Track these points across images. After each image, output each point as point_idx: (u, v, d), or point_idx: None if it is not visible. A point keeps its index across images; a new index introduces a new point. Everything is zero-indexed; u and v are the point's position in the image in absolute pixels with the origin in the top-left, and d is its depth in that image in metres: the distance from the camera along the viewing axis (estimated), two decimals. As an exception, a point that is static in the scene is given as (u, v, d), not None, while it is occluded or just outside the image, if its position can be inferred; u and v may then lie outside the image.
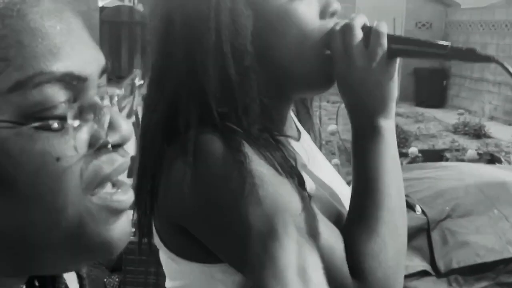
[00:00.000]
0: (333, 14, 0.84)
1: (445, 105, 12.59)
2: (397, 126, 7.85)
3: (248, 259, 0.72)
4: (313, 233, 0.75)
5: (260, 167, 0.75)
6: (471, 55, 0.80)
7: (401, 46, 0.83)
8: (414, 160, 5.43)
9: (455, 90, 12.46)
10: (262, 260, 0.73)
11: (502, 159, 5.54)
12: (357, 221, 0.80)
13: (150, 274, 2.78)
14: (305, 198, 0.77)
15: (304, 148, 0.91)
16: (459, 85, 12.40)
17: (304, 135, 0.99)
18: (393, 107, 0.84)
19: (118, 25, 14.47)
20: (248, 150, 0.75)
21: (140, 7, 16.00)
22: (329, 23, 0.83)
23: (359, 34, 0.81)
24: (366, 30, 0.82)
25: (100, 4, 16.21)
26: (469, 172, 2.50)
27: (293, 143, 0.89)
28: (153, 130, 0.83)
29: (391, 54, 0.81)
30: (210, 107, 0.77)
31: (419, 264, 2.05)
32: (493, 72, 11.22)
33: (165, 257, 0.87)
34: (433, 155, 5.68)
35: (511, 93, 10.66)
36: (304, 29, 0.81)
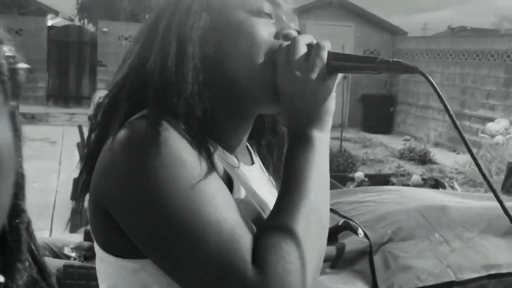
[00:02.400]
0: (287, 37, 0.88)
1: (392, 131, 12.84)
2: (344, 151, 8.01)
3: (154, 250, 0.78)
4: (225, 216, 0.77)
5: (176, 166, 0.77)
6: (397, 67, 0.83)
7: (339, 62, 0.86)
8: (360, 184, 5.48)
9: (402, 117, 12.73)
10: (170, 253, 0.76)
11: (446, 185, 5.67)
12: (272, 216, 0.82)
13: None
14: (224, 187, 0.80)
15: (247, 169, 0.95)
16: (406, 112, 12.68)
17: (259, 167, 1.02)
18: (328, 121, 0.87)
19: (67, 45, 14.26)
20: (173, 145, 0.77)
21: (90, 27, 15.85)
22: (281, 42, 0.88)
23: (302, 48, 0.85)
24: (310, 47, 0.86)
25: (49, 23, 15.98)
26: (411, 196, 2.52)
27: (232, 158, 0.93)
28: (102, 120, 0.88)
29: (331, 70, 0.85)
30: (148, 98, 0.82)
31: (361, 288, 2.04)
32: (438, 100, 11.51)
33: (98, 260, 0.88)
34: (379, 180, 5.76)
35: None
36: (256, 43, 0.86)
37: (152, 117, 0.79)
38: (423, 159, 9.29)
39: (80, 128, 5.06)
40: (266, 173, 1.04)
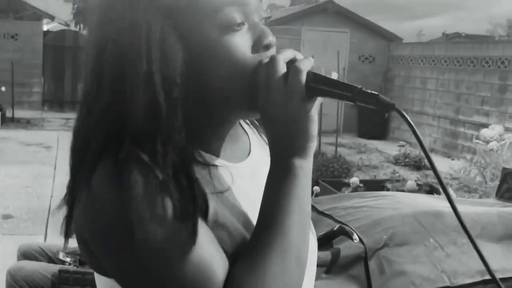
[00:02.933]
0: (267, 47, 0.84)
1: (386, 137, 12.87)
2: (340, 157, 8.01)
3: None
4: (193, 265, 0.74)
5: (144, 210, 0.73)
6: (373, 100, 0.77)
7: (318, 85, 0.80)
8: (355, 189, 5.49)
9: (397, 123, 12.76)
10: None
11: (441, 190, 5.68)
12: (246, 253, 0.78)
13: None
14: (191, 237, 0.74)
15: (239, 170, 0.90)
16: (400, 118, 12.67)
17: (257, 149, 0.98)
18: (309, 147, 0.82)
19: (62, 50, 14.23)
20: (141, 188, 0.73)
21: (85, 32, 15.81)
22: (262, 55, 0.83)
23: (281, 69, 0.80)
24: (290, 65, 0.81)
25: (45, 28, 15.97)
26: (406, 201, 2.53)
27: (222, 168, 0.88)
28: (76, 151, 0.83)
29: (311, 93, 0.80)
30: (124, 136, 0.76)
31: (356, 293, 2.04)
32: (433, 106, 11.56)
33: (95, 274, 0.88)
34: (374, 185, 5.77)
35: (450, 127, 10.99)
36: (235, 62, 0.81)
37: (124, 163, 0.75)
38: (418, 165, 9.31)
39: (75, 133, 5.04)
40: (266, 148, 0.96)
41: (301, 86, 0.79)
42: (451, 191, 5.92)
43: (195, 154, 0.83)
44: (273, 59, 0.81)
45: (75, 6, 17.63)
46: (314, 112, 0.81)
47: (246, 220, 0.84)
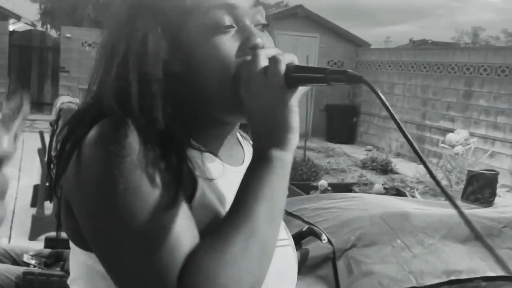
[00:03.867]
0: (254, 48, 0.86)
1: (354, 141, 12.99)
2: (308, 160, 8.04)
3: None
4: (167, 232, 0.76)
5: (130, 171, 0.77)
6: (342, 76, 0.80)
7: (296, 74, 0.82)
8: (323, 192, 5.53)
9: (364, 127, 12.89)
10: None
11: (407, 194, 5.75)
12: (213, 233, 0.80)
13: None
14: (168, 205, 0.78)
15: (232, 171, 0.93)
16: (368, 123, 12.84)
17: (245, 164, 1.00)
18: (288, 138, 0.83)
19: (29, 50, 14.01)
20: (132, 150, 0.78)
21: (52, 33, 15.62)
22: (248, 56, 0.86)
23: (262, 62, 0.83)
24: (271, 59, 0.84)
25: (11, 28, 15.70)
26: (374, 202, 2.55)
27: (215, 163, 0.91)
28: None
29: (290, 83, 0.82)
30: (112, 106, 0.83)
31: (325, 293, 2.05)
32: (400, 111, 11.71)
33: (70, 252, 0.91)
34: (342, 189, 5.83)
35: (416, 132, 11.14)
36: (220, 62, 0.85)
37: (119, 118, 0.80)
38: (385, 169, 9.42)
39: (41, 134, 4.97)
40: None
41: (280, 76, 0.81)
42: (417, 195, 6.00)
43: (190, 142, 0.87)
44: (255, 54, 0.84)
45: (42, 6, 17.39)
46: (294, 103, 0.83)
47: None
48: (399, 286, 2.16)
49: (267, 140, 0.83)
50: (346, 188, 6.00)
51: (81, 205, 0.82)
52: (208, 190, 0.85)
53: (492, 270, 2.34)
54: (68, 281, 0.93)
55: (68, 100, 4.76)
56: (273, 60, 0.82)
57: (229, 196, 0.86)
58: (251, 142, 1.04)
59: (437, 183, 0.78)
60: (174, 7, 0.86)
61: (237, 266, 0.76)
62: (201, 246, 0.78)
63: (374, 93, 0.78)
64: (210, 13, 0.85)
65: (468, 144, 6.13)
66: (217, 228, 0.80)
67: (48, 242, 3.14)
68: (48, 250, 3.03)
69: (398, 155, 11.12)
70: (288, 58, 0.83)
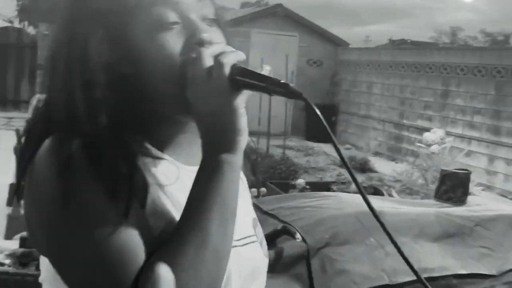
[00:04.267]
0: (200, 44, 0.84)
1: (333, 140, 13.03)
2: (287, 159, 8.05)
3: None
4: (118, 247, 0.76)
5: (81, 186, 0.77)
6: (282, 89, 0.79)
7: (242, 78, 0.80)
8: (302, 191, 5.56)
9: (343, 126, 12.96)
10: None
11: (385, 193, 5.80)
12: (165, 244, 0.79)
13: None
14: (121, 218, 0.77)
15: (187, 172, 0.91)
16: (347, 122, 12.92)
17: None
18: (237, 141, 0.81)
19: (5, 48, 13.84)
20: (81, 165, 0.77)
21: (30, 30, 15.46)
22: (193, 52, 0.83)
23: (206, 62, 0.80)
24: (216, 59, 0.81)
25: (-13, 24, 15.51)
26: (348, 201, 2.58)
27: (169, 165, 0.90)
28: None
29: (236, 86, 0.80)
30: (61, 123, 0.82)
31: (299, 291, 2.07)
32: (378, 110, 11.80)
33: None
34: (321, 187, 5.85)
35: (394, 131, 11.24)
36: (164, 59, 0.83)
37: (65, 134, 0.80)
38: (363, 168, 9.48)
39: (17, 132, 4.93)
40: None
41: (224, 79, 0.79)
42: (394, 193, 6.06)
43: (143, 148, 0.86)
44: (199, 53, 0.81)
45: (20, 2, 17.20)
46: (241, 105, 0.81)
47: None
48: (372, 284, 2.19)
49: (214, 144, 0.82)
50: (324, 186, 6.03)
51: (36, 220, 0.83)
52: (162, 196, 0.85)
53: (463, 267, 2.38)
54: (40, 280, 0.93)
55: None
56: (217, 63, 0.80)
57: (184, 199, 0.84)
58: None
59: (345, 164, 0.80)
60: (115, 7, 0.83)
61: (191, 276, 0.77)
62: (153, 259, 0.77)
63: (312, 110, 0.79)
64: (153, 10, 0.83)
65: (444, 143, 6.21)
66: (169, 239, 0.79)
67: (24, 242, 3.11)
68: (23, 250, 3.01)
69: (376, 154, 11.20)
70: (233, 58, 0.80)
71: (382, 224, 0.81)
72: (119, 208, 0.76)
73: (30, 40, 14.13)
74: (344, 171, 9.09)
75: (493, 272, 2.41)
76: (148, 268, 0.77)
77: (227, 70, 0.79)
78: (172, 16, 0.84)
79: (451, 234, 2.46)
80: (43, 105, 0.87)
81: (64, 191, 0.76)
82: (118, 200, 0.77)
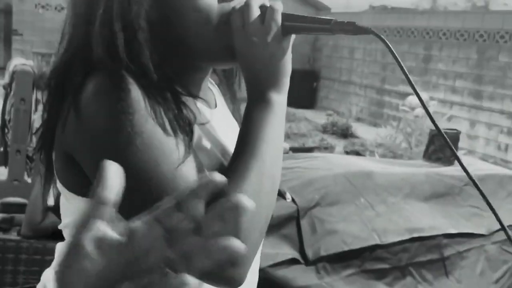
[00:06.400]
0: None
1: (315, 106, 13.03)
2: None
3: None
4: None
5: (144, 124, 0.79)
6: (351, 28, 0.87)
7: (294, 23, 0.88)
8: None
9: (325, 92, 12.93)
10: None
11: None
12: (227, 174, 0.81)
13: (19, 273, 2.62)
14: (186, 152, 0.82)
15: (213, 114, 0.97)
16: (328, 88, 12.88)
17: (222, 107, 1.06)
18: (285, 82, 0.90)
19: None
20: (140, 104, 0.79)
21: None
22: (229, 4, 0.88)
23: (256, 11, 0.87)
24: (263, 9, 0.88)
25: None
26: (337, 162, 2.54)
27: (199, 104, 0.94)
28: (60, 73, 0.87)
29: (285, 31, 0.87)
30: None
31: (289, 252, 2.04)
32: (360, 75, 11.76)
33: (62, 196, 0.93)
34: (304, 153, 5.83)
35: (376, 96, 11.23)
36: (200, 10, 0.86)
37: (114, 72, 0.80)
38: (345, 133, 9.49)
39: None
40: (229, 111, 1.09)
41: (277, 25, 0.86)
42: (377, 157, 6.07)
43: (185, 89, 0.90)
44: (247, 4, 0.87)
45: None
46: (289, 49, 0.89)
47: (223, 149, 0.93)
48: (362, 244, 2.17)
49: (265, 84, 0.89)
50: (307, 152, 6.01)
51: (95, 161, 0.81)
52: (202, 134, 0.89)
53: (453, 227, 2.37)
54: (61, 226, 0.95)
55: (21, 62, 4.59)
56: (270, 10, 0.87)
57: (218, 135, 0.92)
58: (212, 82, 1.09)
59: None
60: None
61: (255, 202, 0.78)
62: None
63: (385, 45, 0.85)
64: None
65: (428, 106, 6.20)
66: (231, 170, 0.84)
67: (4, 207, 3.05)
68: (3, 215, 2.95)
69: (358, 119, 11.21)
70: (281, 7, 0.88)
71: (481, 192, 0.85)
72: (183, 144, 0.81)
73: (4, 5, 13.80)
74: (326, 137, 9.09)
75: (483, 231, 2.40)
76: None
77: (280, 16, 0.87)
78: None
79: (441, 194, 2.45)
80: (67, 49, 0.87)
81: (129, 133, 0.77)
82: (179, 136, 0.81)
